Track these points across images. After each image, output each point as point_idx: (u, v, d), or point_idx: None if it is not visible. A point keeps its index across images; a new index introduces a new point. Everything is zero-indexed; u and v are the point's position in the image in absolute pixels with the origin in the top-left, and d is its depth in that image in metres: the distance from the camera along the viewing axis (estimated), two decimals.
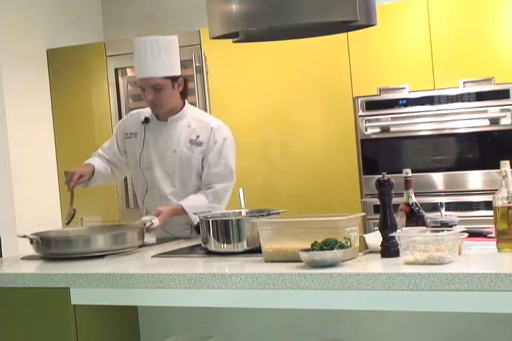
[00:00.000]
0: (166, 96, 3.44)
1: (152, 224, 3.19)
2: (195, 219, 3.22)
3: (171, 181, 3.52)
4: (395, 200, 2.52)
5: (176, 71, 3.45)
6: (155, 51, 3.39)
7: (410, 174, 2.86)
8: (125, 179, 5.33)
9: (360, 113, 4.62)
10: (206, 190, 3.47)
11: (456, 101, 4.41)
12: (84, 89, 5.40)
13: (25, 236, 3.00)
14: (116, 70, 5.32)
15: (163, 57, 3.40)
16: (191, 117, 3.55)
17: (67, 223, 3.38)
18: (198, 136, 3.49)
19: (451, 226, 2.82)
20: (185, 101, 3.57)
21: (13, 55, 5.18)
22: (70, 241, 2.97)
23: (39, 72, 5.40)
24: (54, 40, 5.46)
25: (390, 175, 2.53)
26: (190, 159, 3.48)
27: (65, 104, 5.46)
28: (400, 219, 2.74)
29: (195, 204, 3.38)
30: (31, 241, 2.98)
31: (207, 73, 5.00)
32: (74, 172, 3.46)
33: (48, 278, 2.67)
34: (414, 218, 2.82)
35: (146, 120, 3.57)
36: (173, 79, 3.44)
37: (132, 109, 5.33)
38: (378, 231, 2.52)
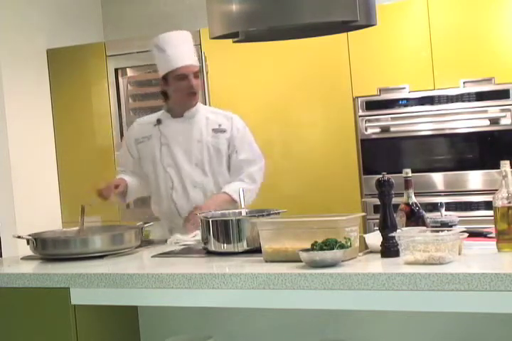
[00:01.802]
0: (199, 85, 3.59)
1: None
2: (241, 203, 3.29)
3: (202, 170, 3.57)
4: (394, 200, 2.51)
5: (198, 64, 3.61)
6: (185, 42, 3.55)
7: (410, 174, 2.86)
8: None
9: (360, 113, 4.62)
10: (239, 175, 3.57)
11: (456, 101, 4.41)
12: (84, 89, 5.40)
13: (20, 237, 3.00)
14: (116, 70, 5.32)
15: (192, 48, 3.58)
16: (206, 111, 3.66)
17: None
18: (219, 125, 3.60)
19: (451, 226, 2.82)
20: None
21: (13, 55, 5.18)
22: (65, 241, 2.97)
23: (39, 72, 5.40)
24: (54, 40, 5.46)
25: (390, 175, 2.52)
26: (217, 146, 3.57)
27: (65, 104, 5.46)
28: (399, 219, 2.74)
29: (239, 188, 3.43)
30: (28, 242, 2.98)
31: (207, 73, 5.00)
32: (109, 183, 3.56)
33: (47, 278, 2.67)
34: (414, 218, 2.82)
35: (159, 121, 3.65)
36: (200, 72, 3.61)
37: (132, 109, 5.40)
38: (378, 231, 2.52)
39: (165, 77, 3.57)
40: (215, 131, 3.59)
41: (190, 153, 3.58)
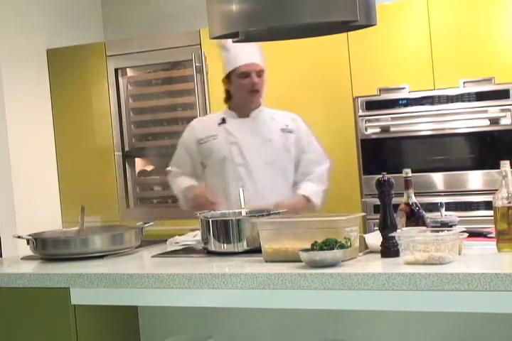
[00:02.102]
0: (264, 84, 3.59)
1: None
2: (317, 207, 3.47)
3: (272, 170, 3.57)
4: (394, 200, 2.52)
5: (265, 66, 3.62)
6: (250, 43, 3.51)
7: (410, 174, 2.86)
8: (125, 179, 5.34)
9: (360, 113, 4.62)
10: (307, 176, 3.60)
11: (456, 101, 4.41)
12: (84, 89, 5.40)
13: (20, 237, 3.00)
14: (116, 70, 5.32)
15: (256, 48, 3.58)
16: (269, 112, 3.69)
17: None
18: (286, 125, 3.65)
19: (451, 226, 2.82)
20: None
21: (13, 55, 5.18)
22: (65, 241, 2.97)
23: (39, 72, 5.40)
24: (54, 40, 5.45)
25: (390, 175, 2.53)
26: (287, 146, 3.61)
27: (65, 104, 5.46)
28: (400, 219, 2.75)
29: (313, 189, 3.53)
30: (28, 242, 2.98)
31: (207, 73, 5.00)
32: (203, 192, 3.53)
33: (47, 278, 2.67)
34: (414, 218, 2.82)
35: (224, 120, 3.64)
36: (265, 73, 3.61)
37: (132, 109, 5.40)
38: (378, 231, 2.52)
39: (228, 76, 3.59)
40: (283, 131, 3.62)
41: (261, 152, 3.58)
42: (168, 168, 3.78)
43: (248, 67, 3.54)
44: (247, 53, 3.55)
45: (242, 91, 3.58)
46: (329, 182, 3.68)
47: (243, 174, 3.58)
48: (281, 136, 3.61)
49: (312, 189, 3.56)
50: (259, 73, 3.56)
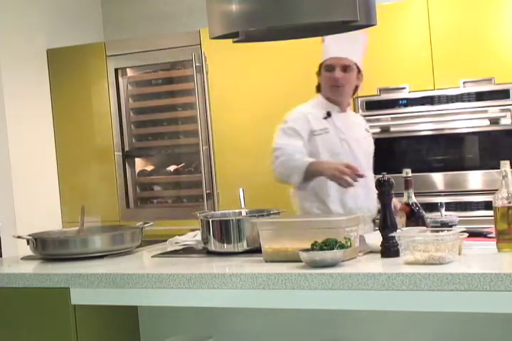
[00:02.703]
0: (350, 80, 3.51)
1: None
2: None
3: (369, 168, 3.57)
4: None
5: (361, 63, 3.54)
6: (349, 36, 3.32)
7: (410, 174, 2.86)
8: (125, 179, 5.34)
9: (360, 113, 4.61)
10: None
11: (456, 101, 4.40)
12: (84, 89, 5.40)
13: (20, 237, 3.00)
14: (116, 70, 5.32)
15: (354, 44, 3.50)
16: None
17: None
18: (365, 124, 3.76)
19: (451, 226, 2.82)
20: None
21: (13, 55, 5.18)
22: (65, 241, 2.97)
23: (39, 72, 5.40)
24: (54, 40, 5.45)
25: (390, 175, 2.53)
26: (372, 145, 3.67)
27: (65, 104, 5.46)
28: (399, 219, 2.75)
29: None
30: (28, 242, 2.98)
31: (207, 73, 5.00)
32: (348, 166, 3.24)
33: (47, 278, 2.67)
34: (414, 218, 2.82)
35: (329, 114, 3.56)
36: (358, 70, 3.54)
37: (132, 109, 5.39)
38: (378, 231, 2.52)
39: (320, 67, 3.58)
40: (366, 130, 3.70)
41: (363, 149, 3.57)
42: (275, 146, 3.50)
43: (333, 60, 3.49)
44: (336, 46, 3.48)
45: (326, 85, 3.55)
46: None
47: None
48: (368, 136, 3.69)
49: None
50: (345, 68, 3.48)
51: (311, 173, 3.35)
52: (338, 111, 3.59)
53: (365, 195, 3.46)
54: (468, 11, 4.40)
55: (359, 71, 3.55)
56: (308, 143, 3.48)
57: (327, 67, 3.51)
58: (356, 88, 3.63)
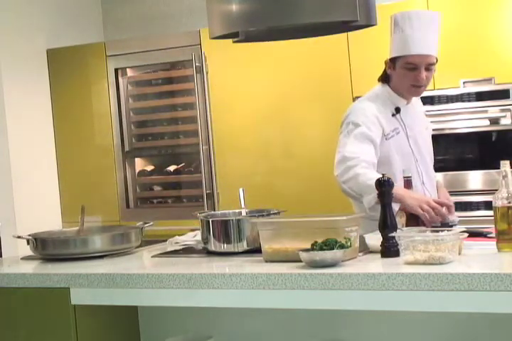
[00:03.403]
0: (431, 78, 3.23)
1: None
2: None
3: (432, 165, 3.41)
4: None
5: (439, 54, 3.25)
6: (431, 27, 3.19)
7: (410, 174, 2.86)
8: (125, 179, 5.34)
9: None
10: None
11: (456, 101, 4.40)
12: (84, 89, 5.40)
13: (20, 237, 3.00)
14: (116, 70, 5.32)
15: (435, 36, 3.20)
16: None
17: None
18: (423, 111, 3.51)
19: (451, 226, 2.82)
20: None
21: (13, 55, 5.18)
22: (65, 241, 2.97)
23: (39, 72, 5.40)
24: (54, 40, 5.45)
25: (390, 175, 2.53)
26: (431, 134, 3.47)
27: (65, 104, 5.46)
28: (399, 219, 2.75)
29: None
30: (28, 242, 2.98)
31: (207, 73, 5.00)
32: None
33: (47, 278, 2.67)
34: (414, 218, 2.82)
35: (398, 110, 3.26)
36: (436, 62, 3.24)
37: (132, 109, 5.39)
38: (378, 231, 2.52)
39: (393, 60, 3.26)
40: (425, 115, 3.50)
41: (427, 146, 3.37)
42: (347, 155, 3.10)
43: (419, 58, 3.15)
44: (422, 41, 3.16)
45: (405, 83, 3.22)
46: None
47: (422, 169, 3.29)
48: (427, 121, 3.50)
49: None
50: (429, 67, 3.18)
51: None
52: (405, 105, 3.30)
53: (431, 193, 3.27)
54: (468, 11, 4.40)
55: (435, 63, 3.26)
56: (380, 147, 3.16)
57: (410, 65, 3.17)
58: None
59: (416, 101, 3.42)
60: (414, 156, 3.26)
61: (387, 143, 3.19)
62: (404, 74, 3.20)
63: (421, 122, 3.39)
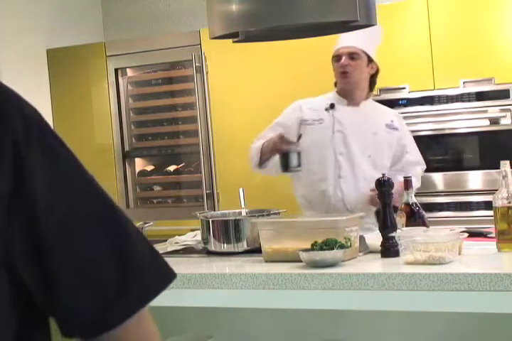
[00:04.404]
0: (359, 67, 3.51)
1: None
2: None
3: (373, 163, 3.52)
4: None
5: (372, 52, 3.55)
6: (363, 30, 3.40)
7: (410, 174, 2.86)
8: (125, 178, 5.34)
9: None
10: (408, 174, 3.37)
11: (456, 101, 4.40)
12: (84, 89, 5.40)
13: None
14: (116, 70, 5.32)
15: (363, 34, 3.39)
16: (376, 105, 3.68)
17: None
18: (392, 121, 3.61)
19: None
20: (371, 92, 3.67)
21: (13, 55, 5.18)
22: None
23: (39, 72, 5.40)
24: (54, 40, 5.46)
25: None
26: (390, 142, 3.57)
27: (65, 104, 5.46)
28: (399, 219, 2.75)
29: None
30: None
31: (207, 73, 5.00)
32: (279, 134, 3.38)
33: None
34: (414, 218, 2.82)
35: (332, 106, 3.58)
36: (370, 58, 3.54)
37: (132, 109, 5.40)
38: (378, 231, 2.52)
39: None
40: (388, 126, 3.59)
41: (365, 144, 3.53)
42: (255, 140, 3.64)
43: (342, 49, 3.52)
44: (347, 36, 3.47)
45: (336, 74, 3.57)
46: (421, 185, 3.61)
47: (343, 163, 3.52)
48: (386, 132, 3.58)
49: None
50: (353, 56, 3.50)
51: (262, 153, 3.48)
52: (345, 104, 3.58)
53: (348, 188, 3.47)
54: (468, 11, 4.40)
55: (371, 60, 3.55)
56: (295, 130, 3.52)
57: (335, 58, 3.54)
58: (372, 81, 3.60)
59: (376, 110, 3.64)
60: (334, 149, 3.50)
61: (303, 127, 3.53)
62: (335, 66, 3.54)
63: (368, 127, 3.56)
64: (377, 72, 3.61)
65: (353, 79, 3.52)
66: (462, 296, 2.14)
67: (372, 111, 3.62)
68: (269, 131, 3.60)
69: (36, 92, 5.37)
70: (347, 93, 3.59)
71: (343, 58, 3.49)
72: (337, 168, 3.51)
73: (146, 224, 3.14)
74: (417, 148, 3.67)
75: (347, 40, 3.51)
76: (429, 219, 2.86)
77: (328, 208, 3.47)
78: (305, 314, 2.67)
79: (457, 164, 4.47)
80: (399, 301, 2.23)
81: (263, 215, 2.87)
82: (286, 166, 3.29)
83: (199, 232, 3.00)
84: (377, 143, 3.54)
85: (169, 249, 3.08)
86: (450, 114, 4.43)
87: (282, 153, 3.29)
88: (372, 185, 3.15)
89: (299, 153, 3.27)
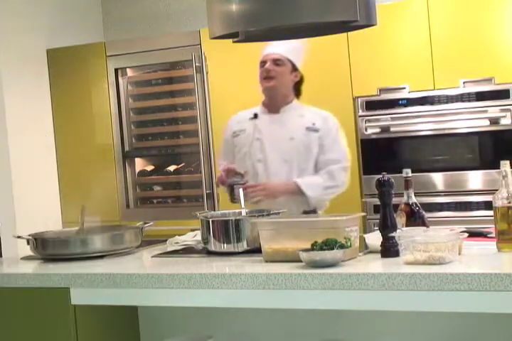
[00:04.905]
0: (283, 73, 3.62)
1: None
2: (311, 198, 3.49)
3: (289, 168, 3.60)
4: (394, 200, 2.52)
5: (296, 60, 3.64)
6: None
7: (410, 174, 2.86)
8: (125, 179, 5.34)
9: (360, 113, 4.62)
10: (320, 171, 3.61)
11: (456, 101, 4.40)
12: (84, 89, 5.40)
13: (20, 237, 3.00)
14: (116, 70, 5.32)
15: (292, 43, 3.58)
16: (302, 109, 3.71)
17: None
18: (313, 124, 3.66)
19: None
20: (296, 98, 3.74)
21: (13, 55, 5.18)
22: (65, 241, 2.97)
23: (39, 72, 5.40)
24: (54, 40, 5.45)
25: (390, 175, 2.53)
26: (308, 145, 3.62)
27: (65, 104, 5.46)
28: (400, 219, 2.75)
29: (311, 181, 3.54)
30: (28, 242, 2.98)
31: (207, 73, 5.00)
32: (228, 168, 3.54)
33: (47, 278, 2.67)
34: (414, 218, 2.82)
35: (255, 115, 3.70)
36: (294, 66, 3.64)
37: (132, 109, 5.40)
38: (378, 231, 2.52)
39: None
40: (308, 129, 3.64)
41: (280, 149, 3.62)
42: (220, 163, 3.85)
43: (265, 56, 3.63)
44: (270, 44, 3.63)
45: (260, 80, 3.66)
46: (344, 182, 3.65)
47: (259, 170, 3.62)
48: (304, 135, 3.63)
49: (309, 180, 3.56)
50: (276, 62, 3.60)
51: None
52: (266, 113, 3.69)
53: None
54: (468, 11, 4.40)
55: (296, 69, 3.64)
56: (232, 145, 3.74)
57: (261, 64, 3.64)
58: (297, 89, 3.70)
59: (295, 115, 3.68)
60: (250, 156, 3.63)
61: (234, 140, 3.72)
62: (260, 73, 3.65)
63: (286, 132, 3.64)
64: (301, 80, 3.70)
65: (276, 83, 3.61)
66: (462, 296, 2.14)
67: (292, 117, 3.68)
68: (223, 149, 3.85)
69: (36, 92, 5.37)
70: (269, 100, 3.69)
71: (268, 63, 3.61)
72: (255, 174, 3.62)
73: (146, 224, 3.14)
74: (342, 147, 3.69)
75: (271, 47, 3.63)
76: (429, 219, 2.85)
77: None
78: (305, 314, 2.67)
79: (457, 164, 4.47)
80: (399, 301, 2.23)
81: (263, 215, 2.87)
82: (231, 198, 3.46)
83: (199, 232, 3.01)
84: (293, 148, 3.62)
85: (169, 249, 3.08)
86: (450, 114, 4.43)
87: (229, 185, 3.47)
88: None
89: (245, 186, 3.40)
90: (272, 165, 3.61)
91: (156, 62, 5.24)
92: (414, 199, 2.82)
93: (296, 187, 3.52)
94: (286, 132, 3.63)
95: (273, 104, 3.69)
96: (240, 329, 2.82)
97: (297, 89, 3.71)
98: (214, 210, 4.74)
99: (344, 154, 3.67)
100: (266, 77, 3.61)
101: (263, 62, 3.63)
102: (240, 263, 2.64)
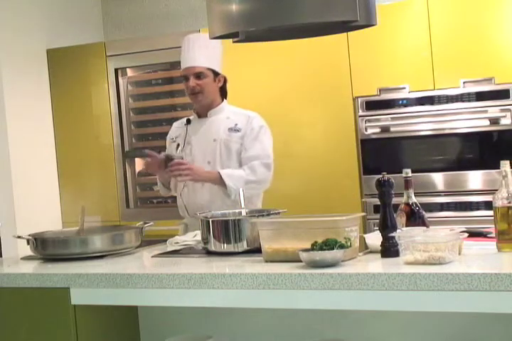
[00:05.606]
0: (207, 85, 3.69)
1: None
2: (231, 188, 3.53)
3: (213, 168, 3.67)
4: (394, 200, 2.52)
5: (216, 66, 3.73)
6: (199, 45, 3.70)
7: (410, 174, 2.86)
8: (125, 179, 5.34)
9: (360, 113, 4.62)
10: (244, 166, 3.67)
11: (456, 101, 4.41)
12: (84, 89, 5.40)
13: (20, 237, 3.00)
14: (116, 70, 5.32)
15: (205, 51, 3.69)
16: (230, 111, 3.79)
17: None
18: (236, 124, 3.73)
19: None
20: (224, 99, 3.80)
21: (13, 55, 5.18)
22: (65, 241, 2.96)
23: (39, 72, 5.40)
24: (54, 40, 5.46)
25: (390, 175, 2.53)
26: (228, 144, 3.69)
27: (65, 104, 5.46)
28: (400, 219, 2.75)
29: (233, 173, 3.60)
30: (28, 242, 2.98)
31: None
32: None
33: (47, 278, 2.67)
34: (414, 218, 2.82)
35: (188, 121, 3.80)
36: (215, 73, 3.72)
37: (132, 109, 5.40)
38: (378, 231, 2.52)
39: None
40: (230, 130, 3.71)
41: (204, 151, 3.71)
42: None
43: (187, 70, 3.69)
44: (190, 57, 3.70)
45: (187, 95, 3.76)
46: (265, 178, 3.65)
47: None
48: (226, 136, 3.70)
49: (232, 172, 3.62)
50: (198, 75, 3.67)
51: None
52: (197, 118, 3.79)
53: (189, 195, 3.73)
54: (468, 11, 4.41)
55: (217, 74, 3.72)
56: (169, 149, 3.86)
57: (184, 78, 3.72)
58: (221, 90, 3.77)
59: (223, 118, 3.76)
60: (184, 159, 3.68)
61: (171, 145, 3.85)
62: (185, 86, 3.73)
63: (211, 134, 3.73)
64: (225, 82, 3.78)
65: (202, 96, 3.70)
66: (462, 296, 2.14)
67: (217, 119, 3.76)
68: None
69: (36, 92, 5.38)
70: (199, 108, 3.79)
71: (191, 79, 3.68)
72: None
73: (146, 224, 3.14)
74: (265, 145, 3.71)
75: (189, 60, 3.71)
76: (429, 219, 2.85)
77: (184, 214, 3.76)
78: (305, 314, 2.67)
79: (457, 164, 4.48)
80: (399, 301, 2.23)
81: (263, 215, 2.87)
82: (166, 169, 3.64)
83: (199, 232, 3.00)
84: (216, 149, 3.70)
85: (169, 249, 3.08)
86: (450, 114, 4.43)
87: (166, 155, 3.65)
88: (213, 188, 3.59)
89: (178, 161, 3.59)
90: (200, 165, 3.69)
91: (156, 62, 5.24)
92: (414, 199, 2.82)
93: (218, 176, 3.59)
94: (211, 134, 3.73)
95: (202, 110, 3.78)
96: (240, 329, 2.82)
97: (223, 91, 3.79)
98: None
99: (266, 151, 3.70)
100: (191, 93, 3.70)
101: (185, 77, 3.70)
102: (239, 263, 2.64)
